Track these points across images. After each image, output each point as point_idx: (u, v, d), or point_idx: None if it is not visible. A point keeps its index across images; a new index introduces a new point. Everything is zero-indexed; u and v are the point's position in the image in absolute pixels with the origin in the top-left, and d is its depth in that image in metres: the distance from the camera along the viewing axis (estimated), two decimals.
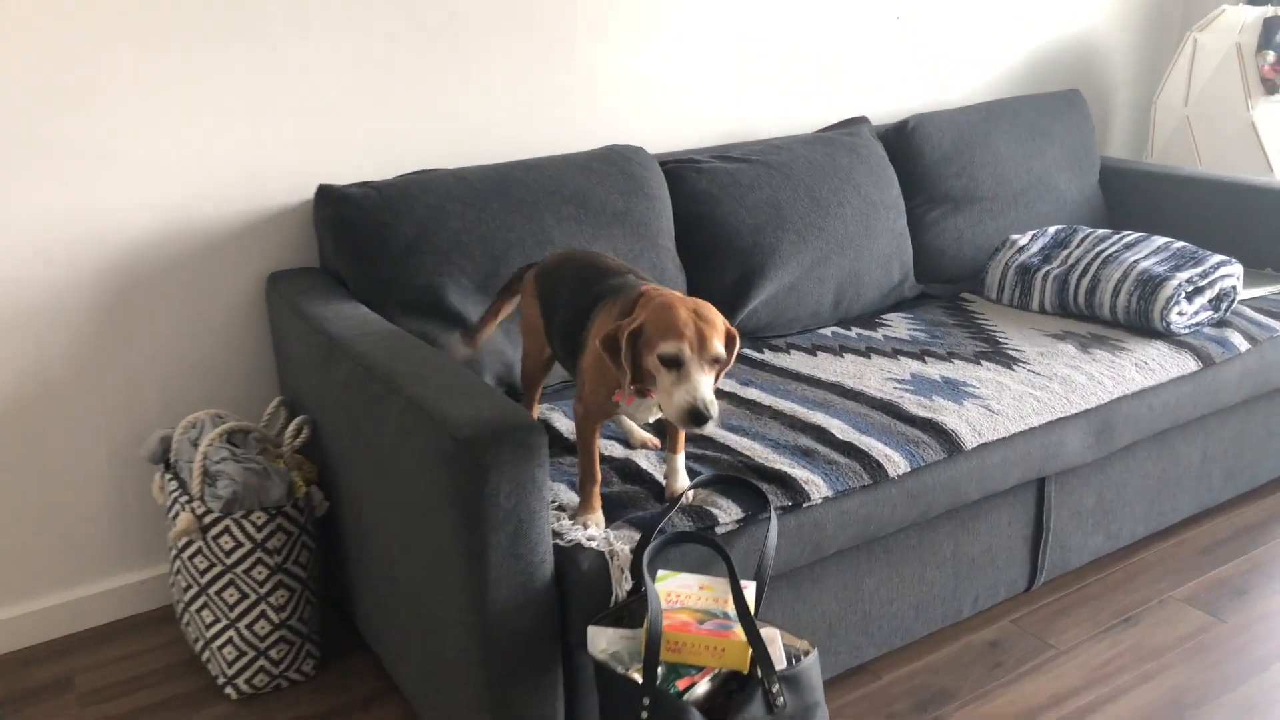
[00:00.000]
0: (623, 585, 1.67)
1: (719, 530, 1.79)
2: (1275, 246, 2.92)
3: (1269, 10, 3.27)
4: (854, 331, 2.67)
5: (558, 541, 1.69)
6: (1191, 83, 3.36)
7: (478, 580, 1.60)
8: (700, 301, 1.59)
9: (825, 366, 2.42)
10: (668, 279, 2.49)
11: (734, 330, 1.62)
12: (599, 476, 1.78)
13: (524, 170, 2.36)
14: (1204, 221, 3.06)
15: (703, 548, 1.77)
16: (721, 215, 2.57)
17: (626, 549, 1.68)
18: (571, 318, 1.80)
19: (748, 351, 2.53)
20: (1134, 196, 3.27)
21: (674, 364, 1.53)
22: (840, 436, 2.05)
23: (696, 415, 1.51)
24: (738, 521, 1.81)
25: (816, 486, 1.90)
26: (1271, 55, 3.21)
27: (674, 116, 2.84)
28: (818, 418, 2.13)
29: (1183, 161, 3.39)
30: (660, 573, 1.67)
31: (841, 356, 2.49)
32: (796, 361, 2.46)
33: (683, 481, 1.83)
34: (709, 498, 1.85)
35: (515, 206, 2.30)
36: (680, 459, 1.84)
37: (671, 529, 1.74)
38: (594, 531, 1.70)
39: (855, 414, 2.15)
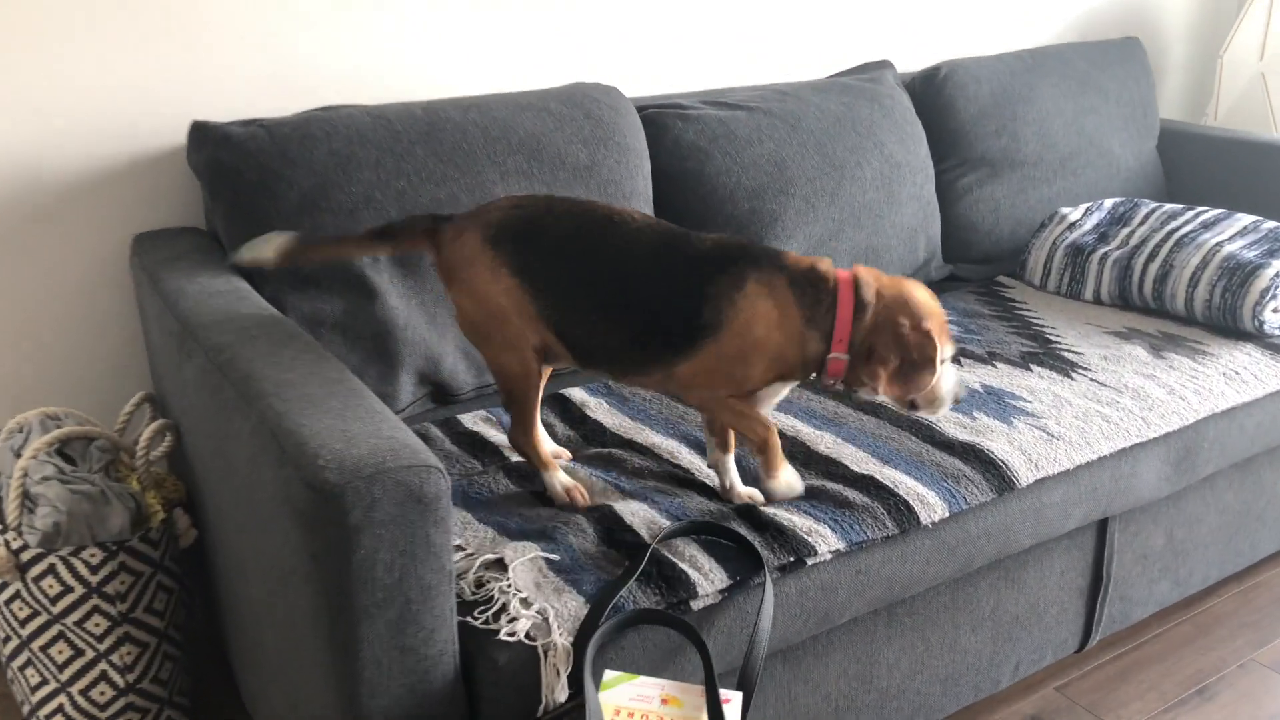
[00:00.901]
0: (557, 691, 1.19)
1: (695, 605, 1.32)
2: None
3: None
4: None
5: (475, 621, 1.21)
6: (1269, 33, 2.86)
7: (347, 679, 1.13)
8: (927, 292, 1.49)
9: None
10: None
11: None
12: (771, 424, 1.49)
13: (460, 110, 1.86)
14: None
15: (672, 631, 1.30)
16: (712, 174, 2.07)
17: (564, 641, 1.20)
18: (646, 298, 1.42)
19: None
20: (1197, 165, 2.78)
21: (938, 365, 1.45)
22: (856, 469, 1.58)
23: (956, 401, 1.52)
24: (721, 592, 1.33)
25: (824, 538, 1.43)
26: None
27: (657, 54, 2.33)
28: (826, 442, 1.65)
29: (1254, 126, 2.90)
30: (608, 676, 1.19)
31: None
32: None
33: (741, 485, 1.53)
34: (684, 554, 1.37)
35: (447, 155, 1.80)
36: (733, 459, 1.53)
37: (632, 604, 1.26)
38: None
39: (875, 436, 1.67)
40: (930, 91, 2.48)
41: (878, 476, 1.55)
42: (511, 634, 1.19)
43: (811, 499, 1.50)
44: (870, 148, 2.24)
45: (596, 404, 1.81)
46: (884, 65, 2.46)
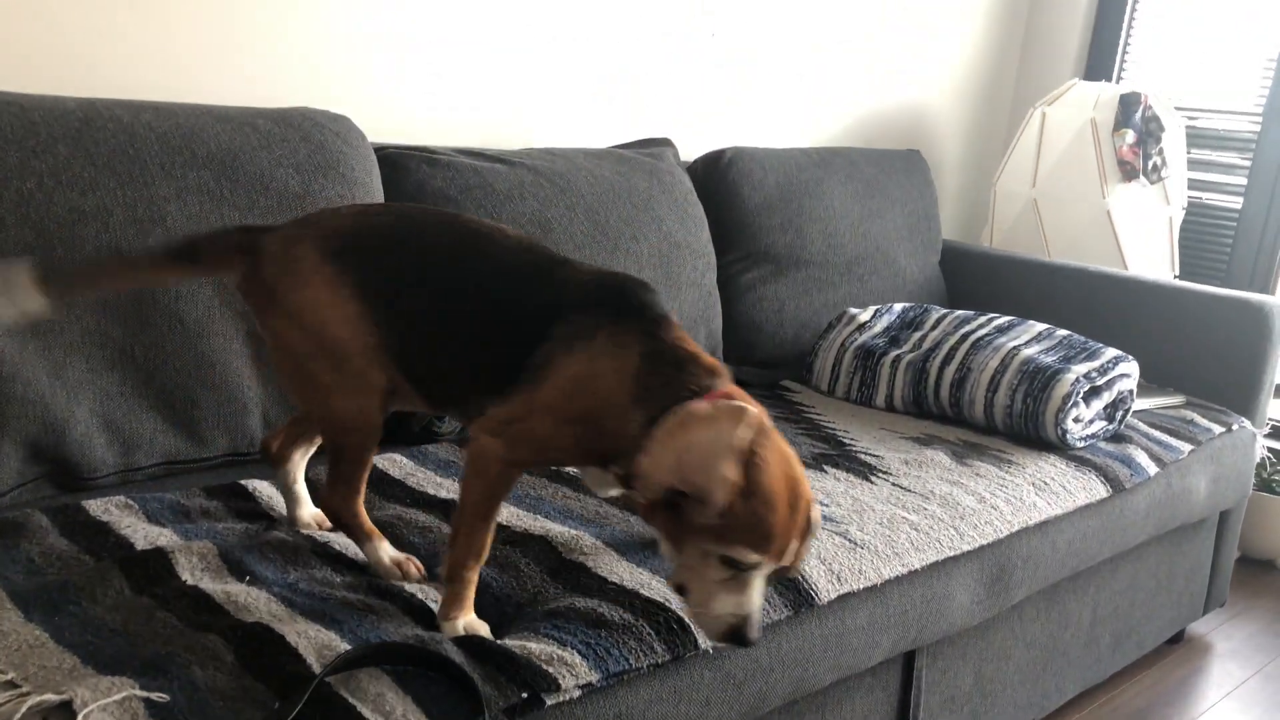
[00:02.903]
0: None
1: None
2: (1143, 351, 2.36)
3: (1117, 84, 2.84)
4: None
5: None
6: (1040, 163, 2.87)
7: None
8: (800, 473, 1.06)
9: None
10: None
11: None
12: (480, 560, 1.12)
13: (130, 111, 1.44)
14: (1062, 320, 2.48)
15: None
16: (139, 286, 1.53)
17: None
18: (496, 328, 1.13)
19: None
20: (978, 284, 2.69)
21: (740, 569, 1.02)
22: (616, 581, 1.21)
23: (739, 636, 1.03)
24: None
25: (571, 668, 1.04)
26: (1131, 135, 2.75)
27: (409, 100, 2.00)
28: (584, 544, 1.28)
29: (1028, 249, 2.86)
30: None
31: None
32: None
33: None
34: (368, 692, 0.94)
35: (102, 159, 1.37)
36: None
37: None
38: (483, 635, 1.08)
39: (639, 542, 1.32)
40: (714, 176, 2.26)
41: (643, 590, 1.19)
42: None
43: (557, 617, 1.12)
44: (647, 221, 1.97)
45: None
46: (664, 143, 2.23)
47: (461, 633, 1.08)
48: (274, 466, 1.31)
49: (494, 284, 1.15)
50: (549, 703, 1.02)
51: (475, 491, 1.11)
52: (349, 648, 0.99)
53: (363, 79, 1.93)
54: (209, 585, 1.08)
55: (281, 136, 1.56)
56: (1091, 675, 1.99)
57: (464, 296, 1.15)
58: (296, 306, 1.15)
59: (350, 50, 1.90)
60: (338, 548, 1.25)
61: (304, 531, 1.28)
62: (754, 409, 1.04)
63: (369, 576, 1.18)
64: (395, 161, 1.75)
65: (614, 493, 1.26)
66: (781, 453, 1.04)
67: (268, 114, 1.60)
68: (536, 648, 1.05)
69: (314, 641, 0.99)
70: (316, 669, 0.95)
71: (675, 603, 1.18)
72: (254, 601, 1.05)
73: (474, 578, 1.11)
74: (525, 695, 1.00)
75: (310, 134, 1.59)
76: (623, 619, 1.13)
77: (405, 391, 1.19)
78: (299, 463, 1.31)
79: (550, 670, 1.04)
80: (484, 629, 1.10)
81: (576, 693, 1.05)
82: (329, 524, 1.28)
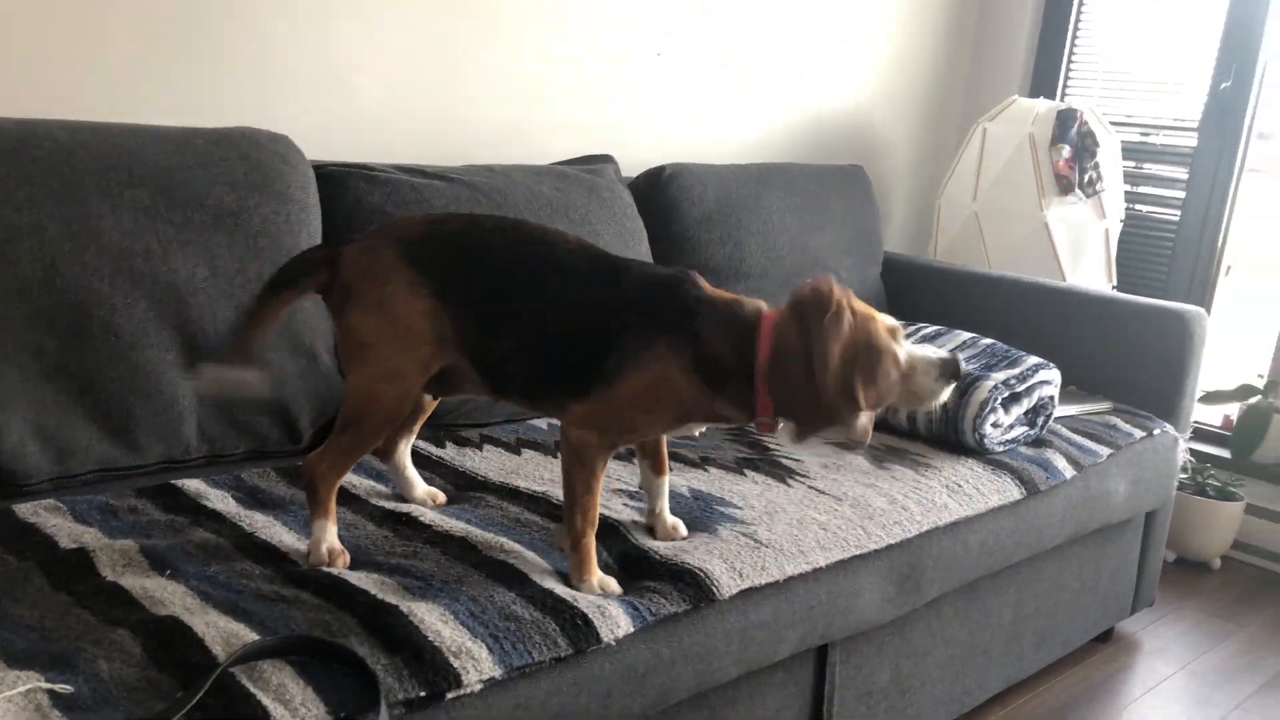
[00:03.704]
0: None
1: None
2: (1077, 360, 2.44)
3: (1059, 102, 2.92)
4: (545, 423, 1.91)
5: None
6: (981, 177, 2.95)
7: None
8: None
9: (530, 471, 1.65)
10: (305, 323, 1.67)
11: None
12: (592, 525, 1.33)
13: (69, 132, 1.50)
14: (999, 329, 2.56)
15: None
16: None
17: None
18: (571, 328, 1.30)
19: (420, 445, 1.72)
20: (920, 295, 2.76)
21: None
22: (537, 580, 1.27)
23: (953, 366, 1.32)
24: None
25: (476, 661, 1.10)
26: (1067, 150, 2.83)
27: (350, 120, 2.06)
28: (504, 546, 1.34)
29: (971, 261, 2.94)
30: None
31: (555, 457, 1.73)
32: (490, 463, 1.68)
33: (670, 515, 1.46)
34: (270, 682, 1.00)
35: (38, 177, 1.43)
36: (667, 482, 1.47)
37: None
38: (614, 590, 1.30)
39: (558, 546, 1.38)
40: (654, 191, 2.33)
41: (556, 590, 1.25)
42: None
43: (472, 614, 1.18)
44: (586, 236, 2.03)
45: (219, 496, 1.42)
46: (606, 159, 2.30)
47: (598, 590, 1.28)
48: (384, 460, 1.49)
49: (556, 289, 1.31)
50: (449, 695, 1.08)
51: (579, 476, 1.30)
52: (256, 638, 1.04)
53: (306, 99, 1.99)
54: (128, 581, 1.13)
55: (219, 155, 1.62)
56: (1015, 672, 2.05)
57: (525, 296, 1.30)
58: (379, 300, 1.29)
59: (293, 71, 1.96)
60: (263, 538, 1.30)
61: (421, 507, 1.46)
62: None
63: (289, 567, 1.23)
64: (334, 179, 1.81)
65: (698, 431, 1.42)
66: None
67: (206, 134, 1.66)
68: (449, 636, 1.11)
69: (222, 632, 1.05)
70: (222, 659, 1.01)
71: (582, 601, 1.24)
72: (169, 595, 1.11)
73: (593, 543, 1.31)
74: (425, 692, 1.06)
75: (248, 153, 1.66)
76: (532, 616, 1.19)
77: (470, 379, 1.35)
78: (404, 450, 1.50)
79: (456, 664, 1.09)
80: (614, 584, 1.30)
81: (478, 686, 1.11)
82: (443, 498, 1.50)
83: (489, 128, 2.28)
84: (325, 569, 1.24)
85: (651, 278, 1.32)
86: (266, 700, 0.97)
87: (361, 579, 1.21)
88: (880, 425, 2.05)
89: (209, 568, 1.20)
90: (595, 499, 1.31)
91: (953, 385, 1.31)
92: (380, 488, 1.53)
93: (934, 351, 1.31)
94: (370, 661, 1.05)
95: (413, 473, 1.51)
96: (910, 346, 1.31)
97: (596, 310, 1.29)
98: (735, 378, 1.28)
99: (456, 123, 2.23)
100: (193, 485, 1.44)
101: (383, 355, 1.29)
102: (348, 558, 1.28)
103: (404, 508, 1.45)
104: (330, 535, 1.28)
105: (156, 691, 0.96)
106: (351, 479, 1.54)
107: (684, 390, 1.28)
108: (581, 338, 1.29)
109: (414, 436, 1.52)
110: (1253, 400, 2.96)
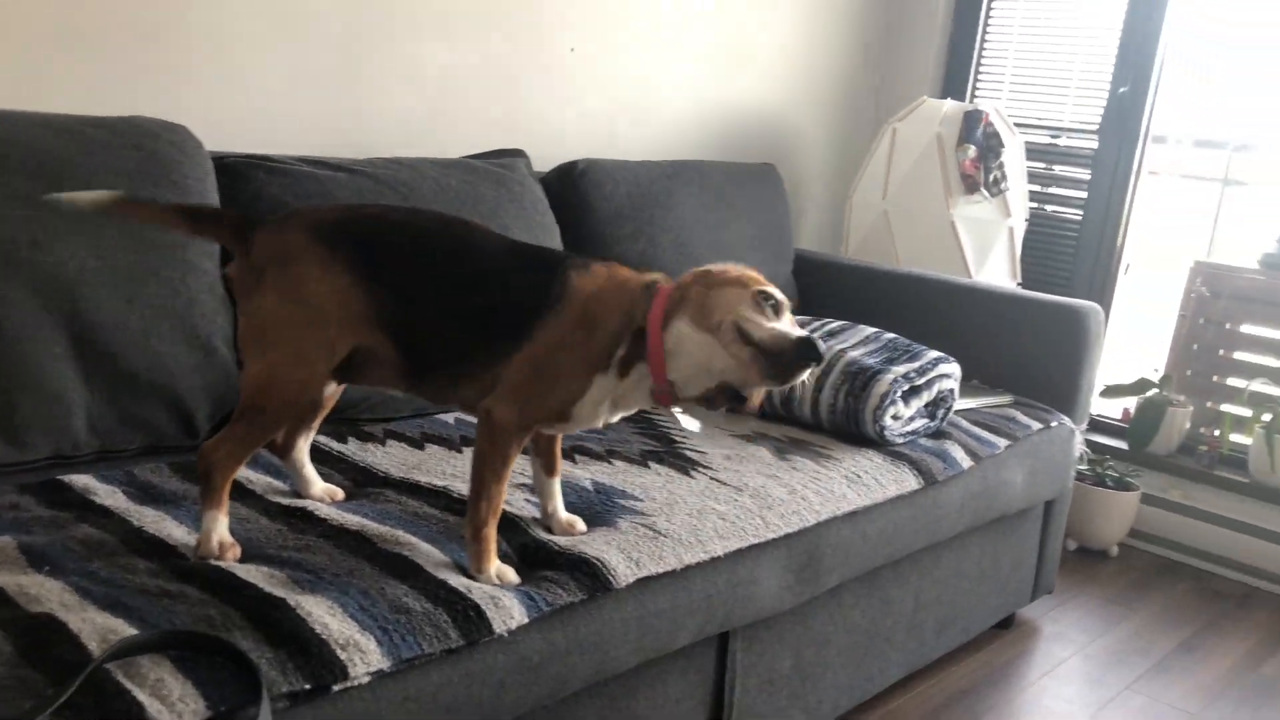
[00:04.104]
0: None
1: None
2: (981, 354, 2.51)
3: (968, 103, 3.00)
4: (452, 418, 1.91)
5: None
6: (890, 176, 3.01)
7: None
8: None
9: (432, 466, 1.65)
10: (202, 315, 1.64)
11: None
12: (496, 515, 1.32)
13: None
14: (906, 324, 2.62)
15: None
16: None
17: None
18: (486, 302, 1.32)
19: (322, 441, 1.70)
20: (831, 292, 2.81)
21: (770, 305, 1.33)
22: (428, 568, 1.27)
23: (808, 346, 1.27)
24: None
25: (364, 654, 1.10)
26: (972, 150, 2.91)
27: (250, 110, 2.03)
28: (399, 539, 1.34)
29: (881, 259, 3.00)
30: None
31: (460, 452, 1.73)
32: (392, 458, 1.67)
33: (564, 512, 1.47)
34: (147, 678, 0.98)
35: None
36: (559, 483, 1.47)
37: None
38: (511, 580, 1.29)
39: (457, 535, 1.38)
40: (566, 187, 2.33)
41: (450, 581, 1.25)
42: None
43: (367, 596, 1.17)
44: (495, 229, 2.02)
45: (108, 491, 1.39)
46: (517, 154, 2.29)
47: (495, 580, 1.27)
48: (281, 457, 1.48)
49: (484, 254, 1.35)
50: (335, 688, 1.07)
51: (491, 462, 1.30)
52: (134, 633, 1.02)
53: (204, 89, 1.95)
54: (2, 579, 1.10)
55: (110, 144, 1.58)
56: (916, 659, 2.10)
57: (455, 271, 1.32)
58: (289, 281, 1.29)
59: (191, 59, 1.92)
60: (151, 533, 1.28)
61: (318, 502, 1.46)
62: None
63: (177, 561, 1.21)
64: (233, 170, 1.78)
65: (615, 419, 1.39)
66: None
67: (99, 122, 1.62)
68: (337, 628, 1.10)
69: (99, 628, 1.03)
70: (92, 654, 0.99)
71: (475, 592, 1.24)
72: (46, 592, 1.09)
73: (494, 534, 1.31)
74: (310, 685, 1.05)
75: (141, 142, 1.62)
76: (424, 608, 1.19)
77: (385, 362, 1.33)
78: (303, 446, 1.48)
79: (343, 657, 1.09)
80: (512, 574, 1.30)
81: (366, 677, 1.10)
82: (341, 494, 1.49)
83: (396, 119, 2.27)
84: (214, 562, 1.22)
85: (561, 253, 1.40)
86: (142, 696, 0.96)
87: (250, 572, 1.19)
88: (787, 419, 2.08)
89: (91, 564, 1.18)
90: (502, 488, 1.32)
91: (810, 367, 1.28)
92: (277, 484, 1.51)
93: (794, 330, 1.29)
94: (254, 655, 1.04)
95: (310, 470, 1.49)
96: (776, 323, 1.30)
97: (529, 261, 1.35)
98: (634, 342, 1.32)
99: (362, 114, 2.21)
100: (81, 481, 1.41)
101: (290, 338, 1.29)
102: (238, 550, 1.26)
103: (299, 503, 1.43)
104: (221, 527, 1.27)
105: (27, 690, 0.94)
106: (248, 474, 1.52)
107: (623, 296, 1.33)
108: (524, 273, 1.33)
109: (313, 433, 1.50)
110: (1149, 394, 3.07)
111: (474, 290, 1.33)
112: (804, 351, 1.26)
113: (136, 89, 1.87)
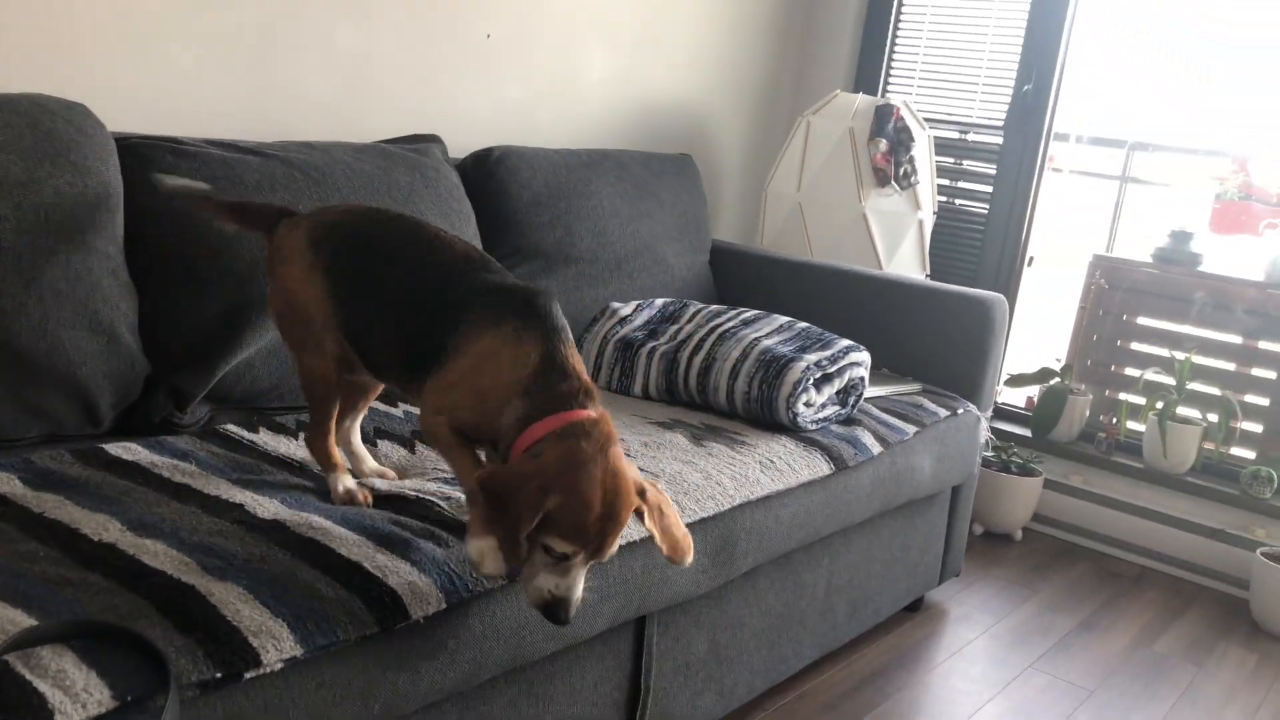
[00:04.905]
0: None
1: None
2: (891, 343, 2.57)
3: (880, 98, 3.06)
4: (401, 409, 1.90)
5: None
6: (805, 169, 3.06)
7: None
8: (619, 470, 1.23)
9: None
10: (104, 301, 1.59)
11: (640, 502, 1.27)
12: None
13: None
14: (819, 314, 2.67)
15: None
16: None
17: None
18: (423, 313, 1.36)
19: (233, 430, 1.67)
20: (746, 282, 2.85)
21: (559, 558, 1.21)
22: (343, 553, 1.25)
23: (554, 613, 1.21)
24: (97, 719, 0.94)
25: (276, 640, 1.08)
26: (883, 144, 2.97)
27: (157, 90, 1.98)
28: (312, 524, 1.32)
29: (795, 250, 3.05)
30: None
31: (375, 444, 1.71)
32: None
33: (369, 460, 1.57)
34: (48, 669, 0.96)
35: None
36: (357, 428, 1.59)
37: None
38: (484, 561, 1.21)
39: (375, 522, 1.37)
40: (481, 173, 2.32)
41: (366, 564, 1.24)
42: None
43: (278, 583, 1.15)
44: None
45: (4, 478, 1.35)
46: (432, 139, 2.27)
47: (475, 557, 1.20)
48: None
49: (425, 278, 1.38)
50: (245, 675, 1.06)
51: (442, 454, 1.35)
52: (33, 624, 1.00)
53: (106, 67, 1.89)
54: None
55: (3, 122, 1.52)
56: (829, 641, 2.15)
57: (399, 287, 1.38)
58: (283, 278, 1.46)
59: (92, 35, 1.86)
60: (53, 518, 1.24)
61: (373, 482, 1.50)
62: (604, 428, 1.25)
63: (80, 547, 1.18)
64: (137, 151, 1.73)
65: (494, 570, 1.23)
66: (612, 465, 1.22)
67: None
68: (249, 615, 1.09)
69: None
70: None
71: (391, 578, 1.23)
72: None
73: (479, 501, 1.25)
74: (219, 674, 1.04)
75: (39, 120, 1.57)
76: (338, 594, 1.18)
77: (356, 362, 1.44)
78: (350, 428, 1.57)
79: (255, 644, 1.07)
80: (491, 564, 1.25)
81: (279, 664, 1.09)
82: (391, 475, 1.56)
83: (309, 103, 2.23)
84: (345, 505, 1.39)
85: (516, 281, 1.38)
86: (44, 687, 0.93)
87: (159, 558, 1.17)
88: (704, 406, 2.11)
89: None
90: (469, 459, 1.31)
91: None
92: (186, 466, 1.47)
93: (550, 589, 1.21)
94: (161, 644, 1.02)
95: (359, 448, 1.57)
96: (561, 577, 1.21)
97: (452, 296, 1.35)
98: (541, 393, 1.27)
99: (274, 96, 2.16)
100: None
101: (292, 332, 1.47)
102: (367, 493, 1.42)
103: (212, 490, 1.40)
104: (343, 481, 1.43)
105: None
106: (155, 459, 1.48)
107: (504, 378, 1.27)
108: (432, 319, 1.35)
109: (360, 415, 1.59)
110: (1051, 383, 3.18)
111: (402, 316, 1.37)
112: (547, 615, 1.21)
113: (33, 65, 1.80)
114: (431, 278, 1.38)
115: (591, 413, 1.27)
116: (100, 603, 1.07)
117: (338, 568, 1.22)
